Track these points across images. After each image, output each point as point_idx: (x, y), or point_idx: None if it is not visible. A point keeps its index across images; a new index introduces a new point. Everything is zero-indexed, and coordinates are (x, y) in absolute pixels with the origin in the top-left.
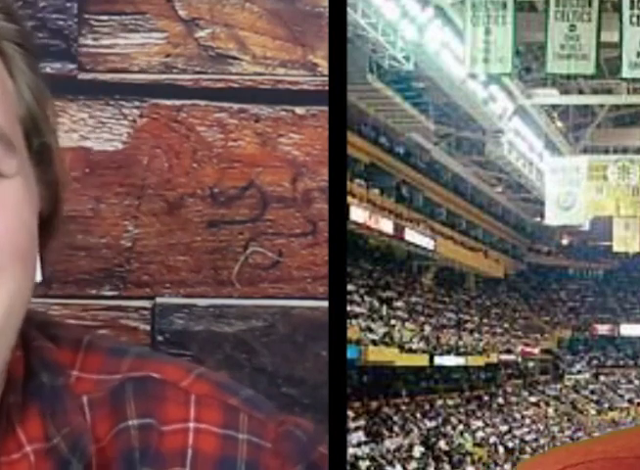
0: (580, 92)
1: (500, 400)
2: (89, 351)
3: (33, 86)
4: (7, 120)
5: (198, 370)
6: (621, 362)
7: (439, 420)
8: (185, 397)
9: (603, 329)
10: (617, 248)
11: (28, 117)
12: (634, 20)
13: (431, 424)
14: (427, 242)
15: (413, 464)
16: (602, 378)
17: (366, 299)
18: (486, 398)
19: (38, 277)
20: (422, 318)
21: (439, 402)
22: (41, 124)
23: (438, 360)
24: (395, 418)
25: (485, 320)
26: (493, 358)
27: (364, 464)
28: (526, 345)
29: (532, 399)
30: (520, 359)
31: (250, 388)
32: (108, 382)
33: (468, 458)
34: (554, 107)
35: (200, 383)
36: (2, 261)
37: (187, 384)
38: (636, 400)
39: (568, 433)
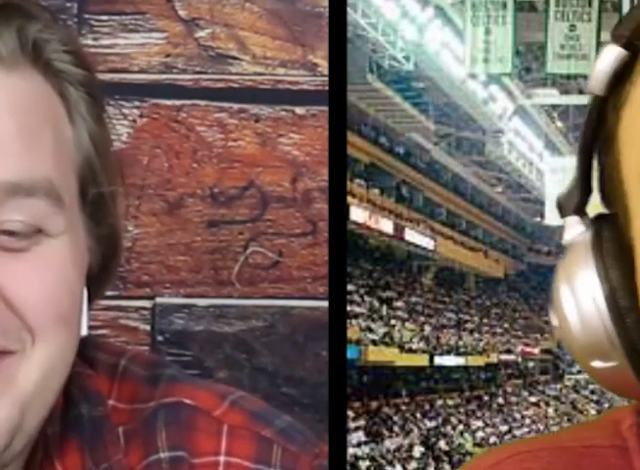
0: (580, 92)
1: (500, 400)
2: (124, 378)
3: (94, 134)
4: (59, 172)
5: (232, 396)
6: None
7: (439, 420)
8: (217, 427)
9: None
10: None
11: (86, 165)
12: None
13: (431, 424)
14: (427, 242)
15: (413, 464)
16: None
17: (366, 299)
18: (486, 398)
19: (84, 331)
20: (422, 318)
21: (439, 402)
22: (99, 175)
23: (438, 360)
24: (395, 418)
25: (485, 320)
26: (493, 358)
27: (364, 464)
28: (526, 345)
29: (532, 399)
30: (520, 359)
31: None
32: (142, 411)
33: (468, 458)
34: (554, 107)
35: (233, 412)
36: (42, 325)
37: (220, 413)
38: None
39: None
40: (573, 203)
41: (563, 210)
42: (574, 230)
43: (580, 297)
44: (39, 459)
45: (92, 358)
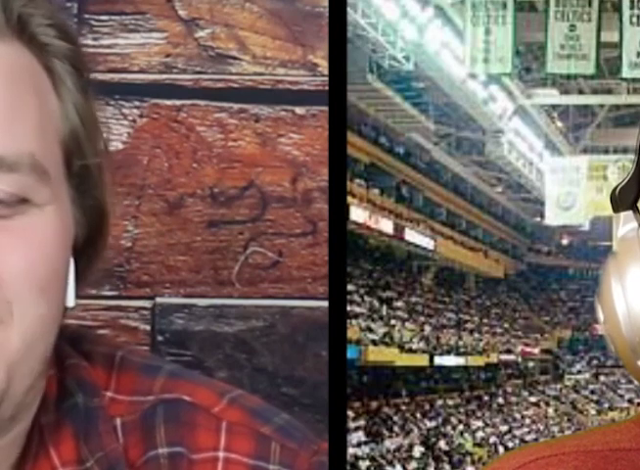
0: (580, 92)
1: (500, 400)
2: (122, 369)
3: (80, 107)
4: (43, 146)
5: (230, 394)
6: (621, 362)
7: (439, 420)
8: (216, 424)
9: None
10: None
11: (71, 138)
12: (634, 20)
13: (431, 424)
14: (427, 242)
15: (413, 464)
16: (602, 378)
17: (366, 299)
18: (486, 398)
19: (71, 302)
20: (422, 318)
21: (439, 402)
22: (84, 146)
23: (438, 360)
24: (395, 418)
25: (485, 320)
26: (493, 358)
27: (364, 464)
28: (526, 345)
29: (532, 399)
30: (520, 359)
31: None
32: (140, 404)
33: (468, 458)
34: (554, 107)
35: (232, 409)
36: (19, 296)
37: (219, 410)
38: (636, 400)
39: (568, 433)
40: (629, 199)
41: (616, 205)
42: (628, 226)
43: (631, 293)
44: (34, 448)
45: (88, 351)
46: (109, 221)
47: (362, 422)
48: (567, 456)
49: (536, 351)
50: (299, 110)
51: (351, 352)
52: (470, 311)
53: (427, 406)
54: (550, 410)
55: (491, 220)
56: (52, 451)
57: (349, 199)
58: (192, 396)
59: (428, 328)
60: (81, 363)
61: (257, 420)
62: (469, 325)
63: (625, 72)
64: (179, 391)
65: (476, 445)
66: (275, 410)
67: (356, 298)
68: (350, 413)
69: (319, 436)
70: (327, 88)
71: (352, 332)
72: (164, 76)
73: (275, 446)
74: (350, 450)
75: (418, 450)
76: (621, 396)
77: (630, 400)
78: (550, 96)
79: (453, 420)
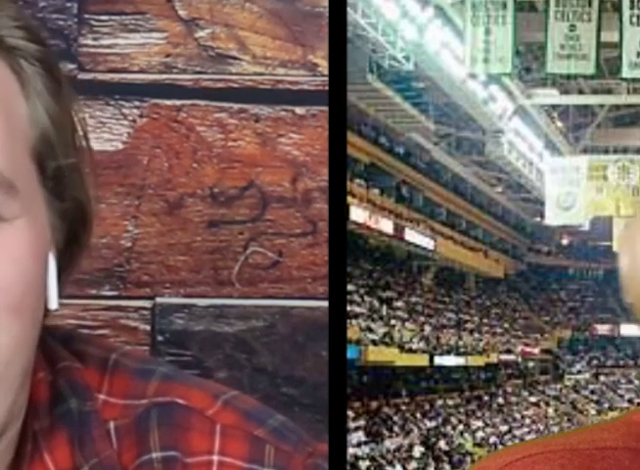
0: (580, 92)
1: (500, 400)
2: (115, 371)
3: (51, 108)
4: (11, 159)
5: (225, 396)
6: (621, 362)
7: (439, 420)
8: (211, 426)
9: (603, 329)
10: (617, 248)
11: (42, 142)
12: (634, 20)
13: (431, 424)
14: (427, 242)
15: (413, 464)
16: (602, 378)
17: (366, 299)
18: (486, 398)
19: (54, 305)
20: (422, 318)
21: (439, 402)
22: (57, 148)
23: (438, 360)
24: (395, 418)
25: (485, 320)
26: (493, 358)
27: (364, 464)
28: (526, 345)
29: (532, 399)
30: (520, 359)
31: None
32: (134, 407)
33: (468, 458)
34: (554, 107)
35: (226, 411)
36: None
37: (213, 413)
38: (636, 400)
39: None
40: None
41: None
42: None
43: None
44: (29, 453)
45: (82, 352)
46: (91, 219)
47: (362, 422)
48: (553, 454)
49: (536, 351)
50: (299, 110)
51: (351, 352)
52: (470, 311)
53: (427, 406)
54: (550, 410)
55: (491, 220)
56: (47, 458)
57: (349, 199)
58: (186, 398)
59: (428, 328)
60: (74, 365)
61: (252, 422)
62: (469, 325)
63: (625, 72)
64: (173, 394)
65: (476, 445)
66: (270, 412)
67: (356, 298)
68: (350, 413)
69: (319, 436)
70: (327, 88)
71: (352, 332)
72: (164, 76)
73: (269, 448)
74: (350, 450)
75: (418, 450)
76: (621, 396)
77: (630, 400)
78: (550, 96)
79: (453, 420)
